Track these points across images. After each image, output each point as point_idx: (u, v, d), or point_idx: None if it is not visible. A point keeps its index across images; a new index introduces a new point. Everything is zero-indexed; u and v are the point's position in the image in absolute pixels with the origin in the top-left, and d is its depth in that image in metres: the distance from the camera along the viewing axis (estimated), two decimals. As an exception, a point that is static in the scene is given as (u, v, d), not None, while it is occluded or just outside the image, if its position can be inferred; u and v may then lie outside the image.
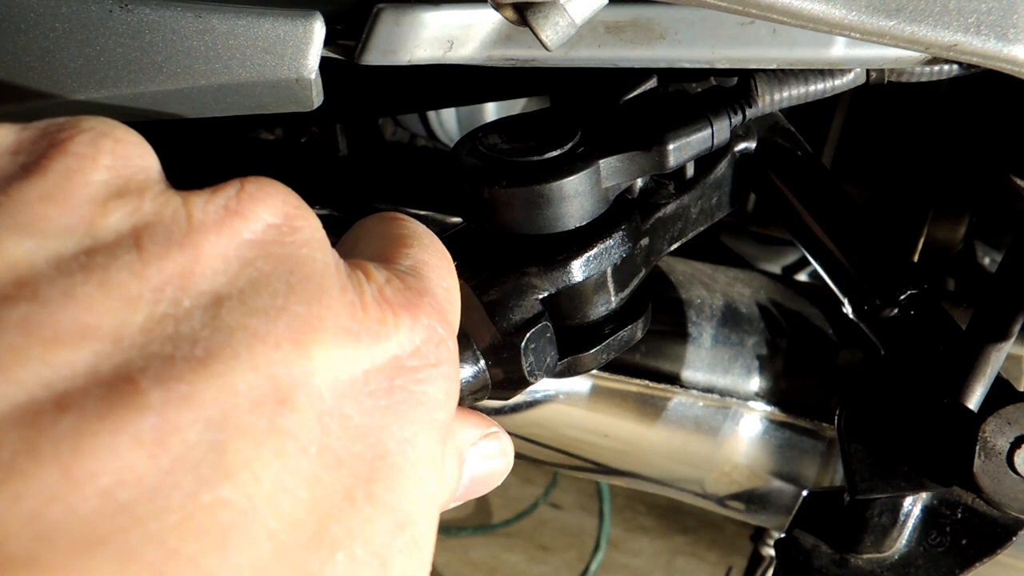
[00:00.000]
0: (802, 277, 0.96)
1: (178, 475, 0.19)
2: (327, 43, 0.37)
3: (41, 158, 0.21)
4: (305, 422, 0.21)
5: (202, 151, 0.66)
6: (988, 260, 0.79)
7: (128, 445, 0.18)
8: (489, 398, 0.38)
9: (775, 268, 0.97)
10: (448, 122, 0.89)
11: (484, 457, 0.32)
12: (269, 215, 0.23)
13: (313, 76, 0.37)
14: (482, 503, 1.73)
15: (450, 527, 1.68)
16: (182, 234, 0.21)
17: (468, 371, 0.37)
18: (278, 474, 0.20)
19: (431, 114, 0.87)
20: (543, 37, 0.31)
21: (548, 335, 0.39)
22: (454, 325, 0.27)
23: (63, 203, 0.20)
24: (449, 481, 0.30)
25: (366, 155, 0.73)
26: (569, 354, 0.42)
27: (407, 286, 0.25)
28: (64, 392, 0.18)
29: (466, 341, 0.37)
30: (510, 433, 0.34)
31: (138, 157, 0.22)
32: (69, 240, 0.20)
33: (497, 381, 0.38)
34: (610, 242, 0.41)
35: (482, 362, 0.37)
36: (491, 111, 0.88)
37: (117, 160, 0.21)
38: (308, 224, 0.23)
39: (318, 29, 0.36)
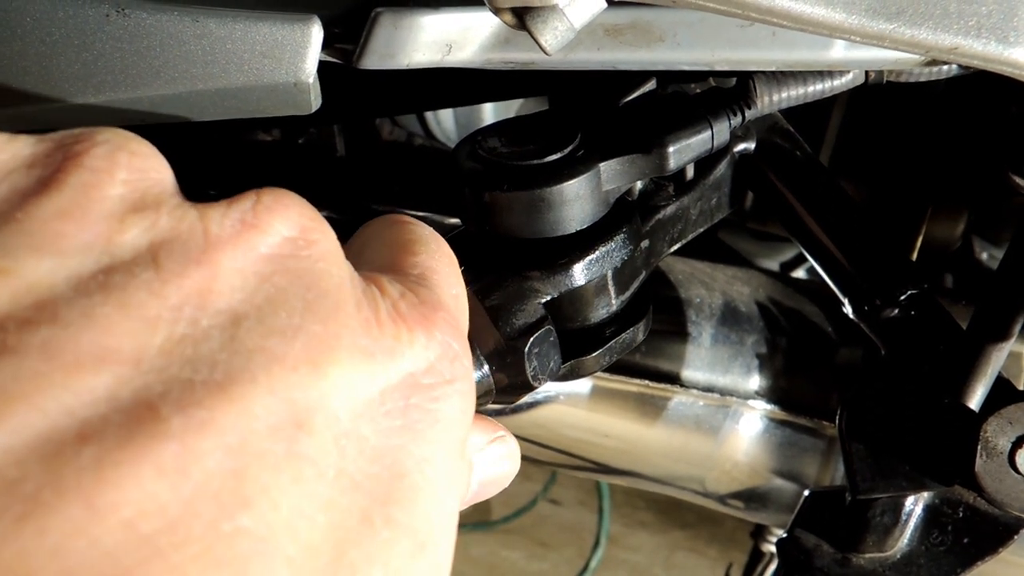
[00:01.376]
0: (800, 273, 0.96)
1: (199, 504, 0.19)
2: (325, 47, 0.37)
3: (57, 172, 0.20)
4: (322, 446, 0.21)
5: (199, 153, 0.66)
6: (986, 256, 0.79)
7: (150, 475, 0.18)
8: (493, 402, 0.38)
9: (773, 265, 0.97)
10: (446, 121, 0.89)
11: (492, 462, 0.32)
12: (285, 228, 0.22)
13: (311, 80, 0.37)
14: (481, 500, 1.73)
15: (450, 524, 1.68)
16: (199, 250, 0.21)
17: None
18: (296, 500, 0.20)
19: (429, 114, 0.87)
20: (542, 41, 0.31)
21: (551, 339, 0.39)
22: (465, 335, 0.27)
23: (80, 219, 0.20)
24: (460, 488, 0.30)
25: (364, 156, 0.73)
26: (571, 357, 0.42)
27: (421, 300, 0.25)
28: (86, 420, 0.18)
29: (470, 346, 0.37)
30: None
31: (153, 170, 0.21)
32: (87, 258, 0.19)
33: (501, 386, 0.38)
34: (611, 245, 0.41)
35: (486, 367, 0.37)
36: (489, 110, 0.88)
37: (133, 173, 0.21)
38: (324, 237, 0.23)
39: (316, 33, 0.36)
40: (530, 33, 0.31)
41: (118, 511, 0.18)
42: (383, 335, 0.23)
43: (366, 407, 0.22)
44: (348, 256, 0.25)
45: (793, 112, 0.52)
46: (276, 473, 0.20)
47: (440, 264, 0.28)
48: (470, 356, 0.26)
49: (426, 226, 0.30)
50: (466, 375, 0.25)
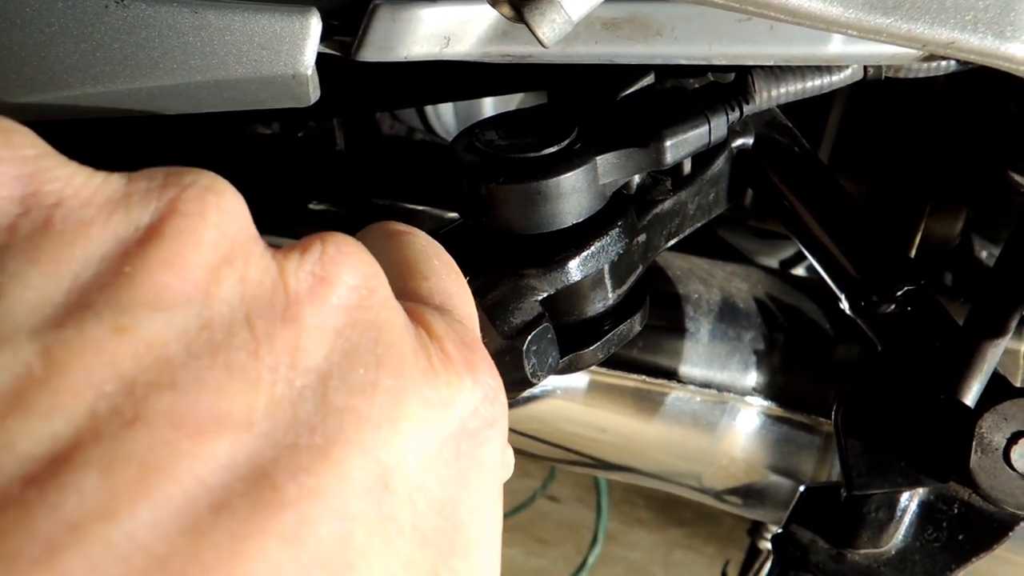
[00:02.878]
0: (799, 271, 0.96)
1: (313, 571, 0.19)
2: (323, 39, 0.37)
3: (156, 220, 0.20)
4: (402, 503, 0.21)
5: (199, 145, 0.66)
6: (985, 255, 0.79)
7: (275, 546, 0.18)
8: None
9: (772, 262, 0.97)
10: (445, 116, 0.89)
11: None
12: (350, 278, 0.22)
13: (309, 72, 0.37)
14: (480, 496, 1.73)
15: (448, 520, 1.68)
16: (282, 307, 0.21)
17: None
18: (386, 560, 0.21)
19: (428, 108, 0.87)
20: (539, 34, 0.31)
21: (549, 336, 0.39)
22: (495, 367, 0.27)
23: (181, 270, 0.20)
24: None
25: (363, 149, 0.73)
26: (568, 351, 0.42)
27: (461, 339, 0.25)
28: (214, 488, 0.18)
29: None
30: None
31: (238, 213, 0.21)
32: (190, 312, 0.19)
33: None
34: (607, 240, 0.41)
35: None
36: (489, 104, 0.88)
37: (222, 217, 0.21)
38: (381, 284, 0.23)
39: (314, 25, 0.36)
40: (528, 26, 0.32)
41: None
42: (439, 383, 0.23)
43: (429, 459, 0.23)
44: None
45: (792, 108, 0.52)
46: (370, 535, 0.20)
47: (452, 284, 0.29)
48: (504, 391, 0.26)
49: (421, 233, 0.30)
50: (503, 413, 0.26)
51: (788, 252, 0.97)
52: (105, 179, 0.20)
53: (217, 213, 0.21)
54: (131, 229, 0.20)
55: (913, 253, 0.73)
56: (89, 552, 0.17)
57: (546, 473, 1.78)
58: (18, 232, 0.19)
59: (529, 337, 0.38)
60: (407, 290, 0.28)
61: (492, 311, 0.38)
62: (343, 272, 0.22)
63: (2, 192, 0.19)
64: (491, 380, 0.25)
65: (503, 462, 0.32)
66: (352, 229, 0.31)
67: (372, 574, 0.20)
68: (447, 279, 0.29)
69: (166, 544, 0.17)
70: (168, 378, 0.19)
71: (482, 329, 0.38)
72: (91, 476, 0.17)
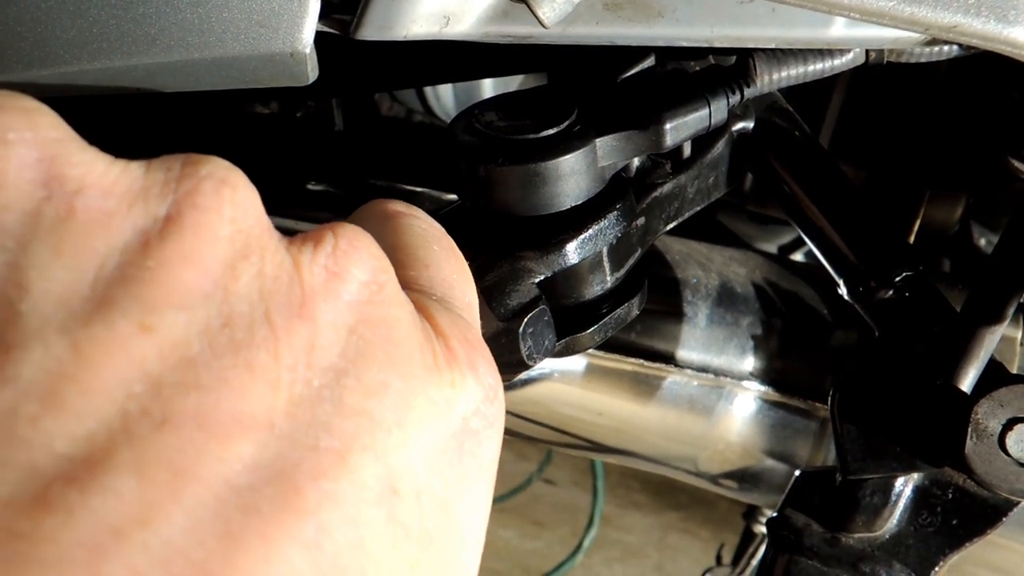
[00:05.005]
0: (798, 257, 0.96)
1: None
2: (322, 17, 0.37)
3: (173, 212, 0.20)
4: (409, 507, 0.22)
5: (197, 124, 0.65)
6: (984, 242, 0.79)
7: (297, 552, 0.19)
8: None
9: (771, 248, 0.97)
10: (445, 97, 0.89)
11: None
12: (361, 273, 0.22)
13: (308, 51, 0.37)
14: (477, 479, 1.74)
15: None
16: (299, 303, 0.21)
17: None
18: (394, 564, 0.21)
19: (428, 89, 0.87)
20: (540, 14, 0.31)
21: (546, 318, 0.39)
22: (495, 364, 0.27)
23: (200, 265, 0.20)
24: None
25: (362, 130, 0.72)
26: (566, 334, 0.42)
27: (464, 335, 0.25)
28: (240, 490, 0.19)
29: None
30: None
31: (252, 206, 0.21)
32: (211, 310, 0.19)
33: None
34: (605, 222, 0.41)
35: None
36: (488, 86, 0.87)
37: (237, 211, 0.21)
38: (389, 278, 0.23)
39: (313, 3, 0.36)
40: (528, 5, 0.31)
41: None
42: (443, 382, 0.23)
43: (434, 459, 0.23)
44: None
45: (793, 93, 0.52)
46: (381, 541, 0.21)
47: (452, 272, 0.28)
48: (502, 390, 0.26)
49: (422, 214, 0.30)
50: (502, 413, 0.26)
51: (787, 238, 0.97)
52: (124, 168, 0.20)
53: (231, 207, 0.20)
54: (150, 221, 0.20)
55: (912, 239, 0.73)
56: (131, 558, 0.17)
57: (543, 456, 1.78)
58: (42, 220, 0.19)
59: (526, 319, 0.38)
60: (407, 278, 0.27)
61: (489, 293, 0.38)
62: (353, 267, 0.22)
63: (27, 175, 0.19)
64: (491, 379, 0.25)
65: None
66: (350, 210, 0.31)
67: None
68: (447, 266, 0.28)
69: (202, 549, 0.18)
70: (193, 378, 0.19)
71: (479, 311, 0.38)
72: (127, 478, 0.17)
